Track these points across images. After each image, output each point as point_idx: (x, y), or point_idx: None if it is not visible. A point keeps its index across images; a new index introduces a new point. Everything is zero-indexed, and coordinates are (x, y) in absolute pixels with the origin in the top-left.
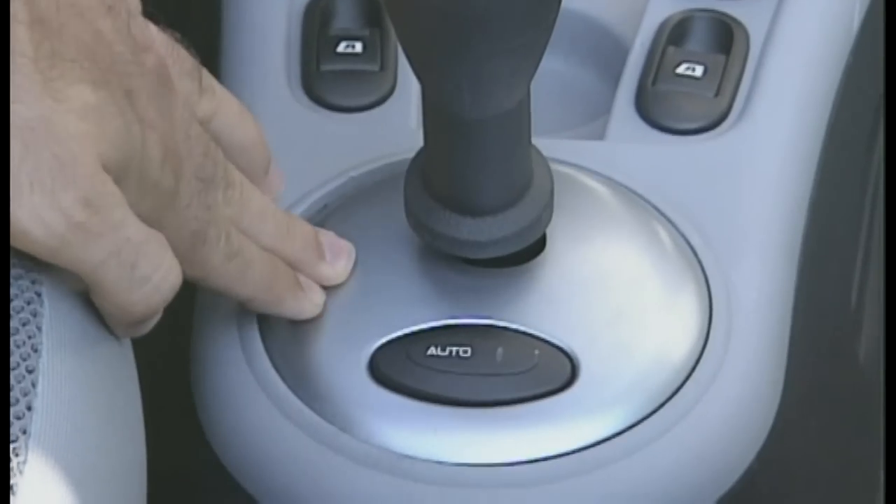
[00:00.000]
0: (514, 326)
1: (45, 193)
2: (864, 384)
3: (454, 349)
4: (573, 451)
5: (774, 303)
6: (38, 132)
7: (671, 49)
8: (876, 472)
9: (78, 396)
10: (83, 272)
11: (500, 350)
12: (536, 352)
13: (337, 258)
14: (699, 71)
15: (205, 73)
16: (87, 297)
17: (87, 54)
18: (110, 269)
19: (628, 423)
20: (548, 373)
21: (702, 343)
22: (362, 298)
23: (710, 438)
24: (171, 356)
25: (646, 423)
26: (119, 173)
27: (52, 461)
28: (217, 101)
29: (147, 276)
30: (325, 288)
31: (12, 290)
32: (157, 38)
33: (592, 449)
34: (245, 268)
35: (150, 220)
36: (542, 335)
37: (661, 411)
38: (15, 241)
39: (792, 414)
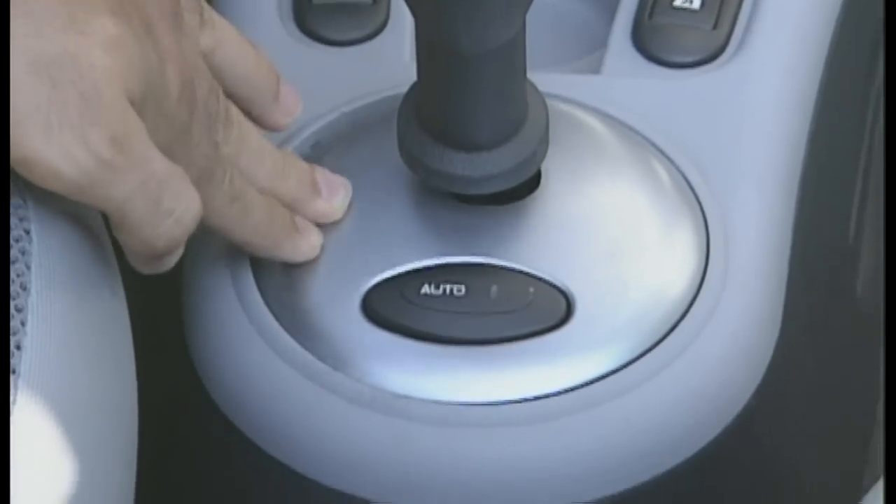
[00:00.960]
0: (508, 264)
1: (74, 131)
2: (862, 318)
3: (448, 288)
4: (569, 389)
5: (772, 237)
6: (65, 68)
7: None
8: (873, 406)
9: (68, 335)
10: (109, 209)
11: (494, 288)
12: (531, 289)
13: (333, 194)
14: (696, 3)
15: (205, 5)
16: (76, 236)
17: None
18: (136, 205)
19: (625, 360)
20: (543, 310)
21: (699, 279)
22: (356, 237)
23: (707, 375)
24: (162, 295)
25: (642, 360)
26: (139, 106)
27: (42, 400)
28: (218, 33)
29: (171, 209)
30: (319, 226)
31: None
32: None
33: (589, 387)
34: (245, 211)
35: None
36: (537, 273)
37: (658, 348)
38: (44, 180)
39: (790, 349)
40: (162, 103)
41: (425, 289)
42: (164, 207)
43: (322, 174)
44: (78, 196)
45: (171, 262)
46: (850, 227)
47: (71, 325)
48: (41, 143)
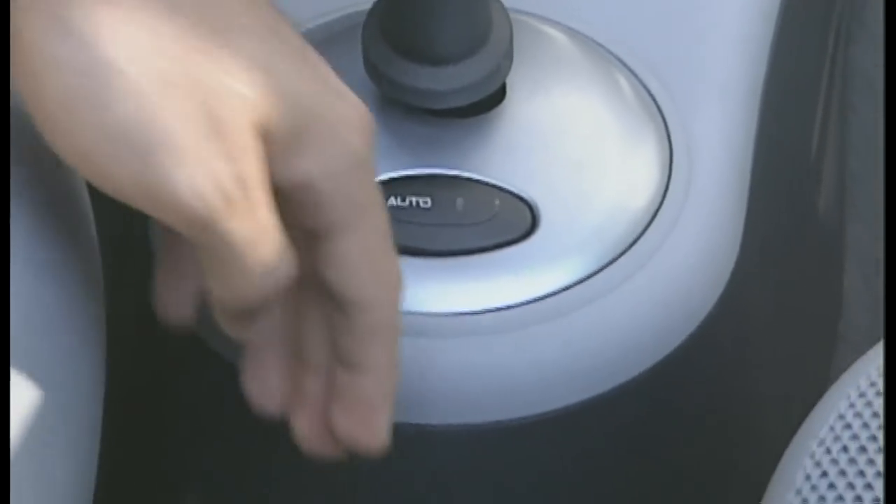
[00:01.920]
0: (474, 176)
1: (201, 163)
2: (823, 232)
3: (414, 199)
4: (535, 300)
5: (734, 151)
6: (191, 91)
7: None
8: (834, 319)
9: (34, 248)
10: (218, 249)
11: (460, 200)
12: (497, 201)
13: None
14: None
15: None
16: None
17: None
18: (244, 251)
19: (589, 271)
20: (508, 222)
21: (662, 191)
22: None
23: (670, 285)
24: (130, 211)
25: (606, 271)
26: (285, 136)
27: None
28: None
29: (269, 262)
30: None
31: None
32: None
33: (554, 297)
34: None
35: (345, 211)
36: (503, 185)
37: (622, 259)
38: (159, 209)
39: (752, 261)
40: (335, 128)
41: (391, 201)
42: (263, 259)
43: None
44: (188, 230)
45: (251, 327)
46: (812, 144)
47: (37, 238)
48: (169, 169)
